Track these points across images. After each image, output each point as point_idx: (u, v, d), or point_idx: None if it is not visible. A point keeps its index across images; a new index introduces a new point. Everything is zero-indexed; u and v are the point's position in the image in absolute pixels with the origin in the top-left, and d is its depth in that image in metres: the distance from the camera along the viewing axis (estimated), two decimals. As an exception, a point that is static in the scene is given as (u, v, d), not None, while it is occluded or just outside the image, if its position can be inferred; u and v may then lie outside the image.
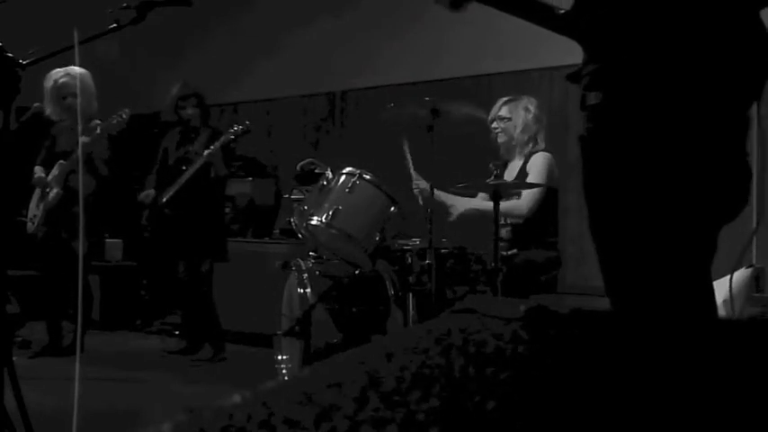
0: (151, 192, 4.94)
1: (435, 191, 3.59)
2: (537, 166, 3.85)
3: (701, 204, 1.50)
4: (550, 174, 3.85)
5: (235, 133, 4.75)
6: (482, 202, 3.90)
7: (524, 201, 3.81)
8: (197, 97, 4.94)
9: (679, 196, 1.48)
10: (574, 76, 1.65)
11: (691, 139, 1.46)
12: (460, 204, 3.86)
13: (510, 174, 3.92)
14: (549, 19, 1.68)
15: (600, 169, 1.54)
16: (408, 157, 3.87)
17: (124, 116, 4.54)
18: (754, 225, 1.67)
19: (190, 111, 4.92)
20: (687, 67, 1.46)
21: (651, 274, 1.51)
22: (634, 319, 1.45)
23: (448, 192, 3.90)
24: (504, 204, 3.66)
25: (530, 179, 3.79)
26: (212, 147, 4.71)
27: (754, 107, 1.52)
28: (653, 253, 1.50)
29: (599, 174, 1.54)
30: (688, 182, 1.47)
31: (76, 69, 4.53)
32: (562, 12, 1.65)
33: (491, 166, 3.84)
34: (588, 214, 1.59)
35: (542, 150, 3.92)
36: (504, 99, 4.04)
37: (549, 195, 3.87)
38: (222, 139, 4.74)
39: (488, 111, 4.05)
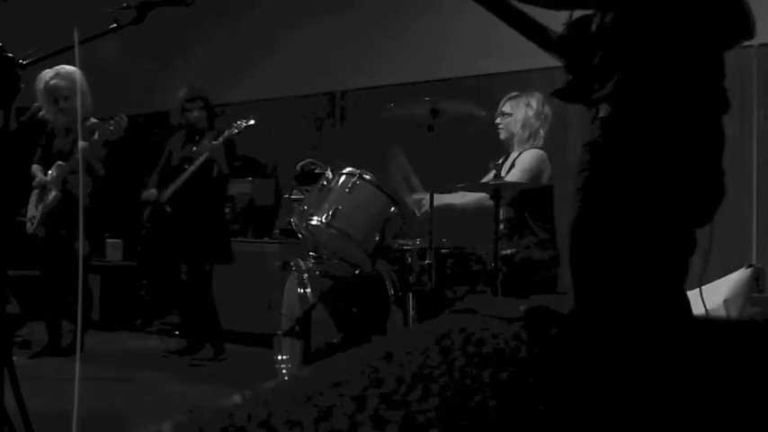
0: (153, 191, 4.94)
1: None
2: (525, 161, 3.87)
3: (688, 212, 1.68)
4: (537, 171, 3.85)
5: (238, 127, 4.74)
6: (456, 195, 3.89)
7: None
8: (203, 100, 4.96)
9: (670, 202, 1.64)
10: (560, 93, 1.84)
11: (677, 153, 1.65)
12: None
13: (505, 169, 3.93)
14: (541, 37, 1.89)
15: (606, 173, 1.67)
16: (406, 167, 3.83)
17: (122, 123, 4.53)
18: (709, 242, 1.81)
19: (196, 113, 4.93)
20: (684, 94, 1.67)
21: (631, 274, 1.61)
22: (606, 317, 1.54)
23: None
24: (474, 196, 3.85)
25: (513, 171, 3.81)
26: (215, 141, 4.71)
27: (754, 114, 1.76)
28: (634, 249, 1.62)
29: (604, 177, 1.67)
30: (679, 190, 1.65)
31: (67, 69, 4.53)
32: (556, 35, 1.86)
33: (491, 165, 3.84)
34: (578, 212, 1.69)
35: (536, 148, 3.93)
36: (510, 95, 4.08)
37: (544, 192, 3.87)
38: (226, 133, 4.74)
39: (488, 110, 4.07)
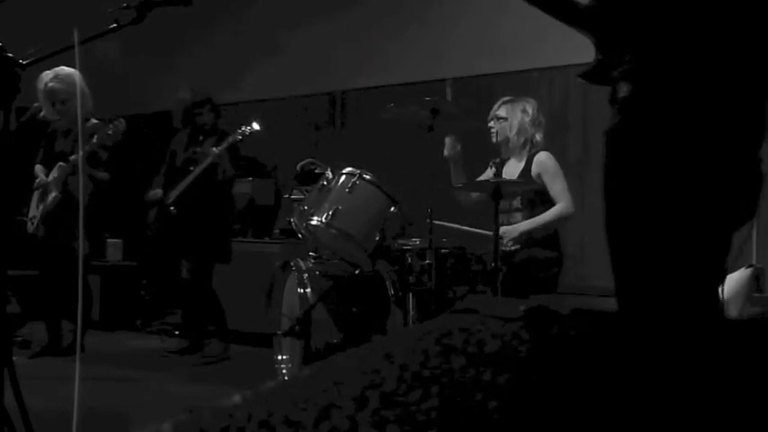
0: (158, 191, 4.96)
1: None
2: (550, 167, 3.88)
3: (717, 208, 1.48)
4: (560, 170, 3.90)
5: (242, 133, 4.75)
6: (526, 221, 3.86)
7: (564, 200, 3.85)
8: (211, 102, 4.98)
9: (695, 198, 1.46)
10: (588, 74, 1.63)
11: (712, 140, 1.45)
12: (512, 230, 3.78)
13: (509, 173, 3.93)
14: (570, 12, 1.65)
15: (625, 164, 1.50)
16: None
17: (120, 127, 4.53)
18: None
19: (205, 116, 4.96)
20: (713, 69, 1.45)
21: (662, 275, 1.47)
22: (641, 319, 1.43)
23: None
24: (550, 215, 3.81)
25: (550, 179, 3.85)
26: (220, 147, 4.73)
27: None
28: (665, 253, 1.46)
29: (623, 169, 1.50)
30: (708, 184, 1.45)
31: (66, 71, 4.53)
32: (583, 6, 1.63)
33: (491, 165, 3.85)
34: (605, 209, 1.54)
35: (542, 149, 3.94)
36: (504, 99, 4.06)
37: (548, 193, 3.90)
38: (230, 139, 4.75)
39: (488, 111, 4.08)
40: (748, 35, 1.47)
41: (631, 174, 1.48)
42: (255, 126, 4.77)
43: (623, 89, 1.50)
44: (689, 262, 1.47)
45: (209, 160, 4.75)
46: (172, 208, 4.86)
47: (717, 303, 1.52)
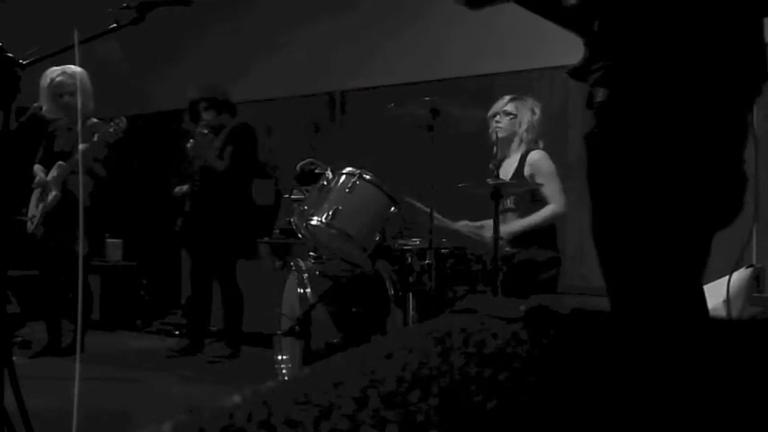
0: (184, 187, 5.01)
1: (459, 224, 3.78)
2: (543, 166, 3.88)
3: (697, 209, 1.50)
4: (554, 169, 3.89)
5: (203, 124, 4.92)
6: (518, 221, 3.86)
7: (556, 202, 3.84)
8: (207, 100, 5.02)
9: (676, 201, 1.47)
10: (576, 72, 1.62)
11: (690, 142, 1.46)
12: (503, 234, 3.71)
13: (505, 171, 3.93)
14: (554, 11, 1.66)
15: (602, 169, 1.51)
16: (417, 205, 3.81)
17: (121, 125, 4.55)
18: (752, 226, 1.65)
19: (205, 115, 5.03)
20: (689, 70, 1.46)
21: (645, 277, 1.49)
22: (629, 320, 1.44)
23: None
24: (540, 217, 3.81)
25: (544, 180, 3.83)
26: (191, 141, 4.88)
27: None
28: (647, 256, 1.48)
29: (601, 173, 1.52)
30: (686, 186, 1.47)
31: (73, 68, 4.55)
32: (568, 5, 1.64)
33: (491, 165, 3.84)
34: (590, 214, 1.56)
35: (536, 149, 3.94)
36: (511, 96, 4.07)
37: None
38: (196, 130, 4.93)
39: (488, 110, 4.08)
40: (725, 35, 1.47)
41: (611, 178, 1.49)
42: (202, 124, 4.97)
43: (599, 94, 1.50)
44: (666, 263, 1.48)
45: (192, 155, 4.90)
46: (188, 202, 4.93)
47: (701, 302, 1.54)
